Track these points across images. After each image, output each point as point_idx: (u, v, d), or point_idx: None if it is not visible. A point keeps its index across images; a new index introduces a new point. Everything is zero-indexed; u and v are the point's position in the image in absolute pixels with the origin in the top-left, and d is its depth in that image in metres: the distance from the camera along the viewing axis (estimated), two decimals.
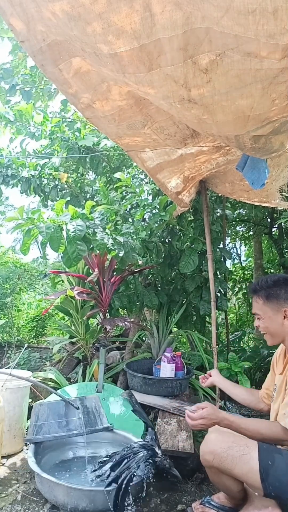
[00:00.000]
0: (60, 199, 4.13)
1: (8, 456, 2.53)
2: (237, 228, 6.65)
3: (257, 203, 3.40)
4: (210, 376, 2.10)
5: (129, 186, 3.45)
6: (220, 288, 3.55)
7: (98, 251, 2.69)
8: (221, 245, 3.82)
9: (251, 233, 6.55)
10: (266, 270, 6.82)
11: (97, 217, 2.82)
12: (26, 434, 2.77)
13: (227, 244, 6.68)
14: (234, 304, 7.71)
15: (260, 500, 1.62)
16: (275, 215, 5.03)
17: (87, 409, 2.26)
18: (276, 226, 5.56)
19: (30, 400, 2.89)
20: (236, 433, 1.61)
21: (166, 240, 3.74)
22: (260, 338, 5.33)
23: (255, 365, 4.19)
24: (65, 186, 4.55)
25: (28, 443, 2.72)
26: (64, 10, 1.05)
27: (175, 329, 3.78)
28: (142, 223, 3.42)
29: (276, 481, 1.45)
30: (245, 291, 7.22)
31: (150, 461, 1.86)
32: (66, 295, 3.26)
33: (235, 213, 5.24)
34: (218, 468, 1.56)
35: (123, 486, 1.72)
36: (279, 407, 1.65)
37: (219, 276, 3.64)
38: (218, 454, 1.52)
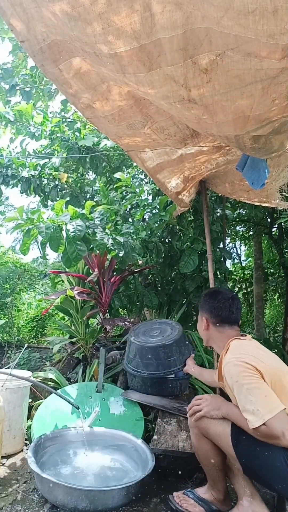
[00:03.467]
0: (60, 199, 4.13)
1: (8, 456, 2.53)
2: (237, 228, 6.65)
3: (257, 203, 3.40)
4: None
5: (129, 186, 3.45)
6: None
7: (98, 251, 2.69)
8: (221, 245, 3.82)
9: (251, 233, 6.55)
10: (266, 270, 6.81)
11: (97, 217, 2.82)
12: (26, 434, 2.78)
13: (227, 244, 6.68)
14: None
15: (251, 505, 1.64)
16: (275, 215, 5.03)
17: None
18: (276, 226, 5.56)
19: (30, 400, 2.89)
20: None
21: (166, 240, 3.74)
22: (260, 338, 5.34)
23: None
24: (65, 186, 4.55)
25: (27, 443, 2.72)
26: (64, 10, 1.05)
27: None
28: (142, 223, 3.42)
29: (246, 451, 1.54)
30: (245, 291, 7.22)
31: None
32: (66, 295, 3.25)
33: (235, 213, 5.23)
34: (198, 428, 1.71)
35: None
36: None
37: (219, 276, 3.63)
38: (196, 413, 1.71)
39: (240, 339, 1.77)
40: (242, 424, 1.52)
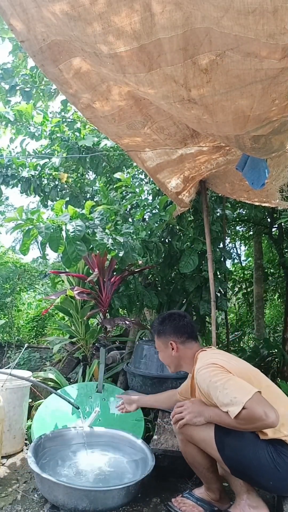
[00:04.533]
0: (60, 199, 4.13)
1: (8, 456, 2.53)
2: (237, 228, 6.65)
3: (257, 203, 3.40)
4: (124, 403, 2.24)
5: (129, 186, 3.45)
6: (220, 288, 3.54)
7: (98, 251, 2.69)
8: (221, 245, 3.82)
9: (251, 233, 6.55)
10: (266, 270, 6.81)
11: (96, 217, 2.82)
12: (26, 434, 2.78)
13: (227, 244, 6.67)
14: (234, 304, 7.70)
15: (248, 501, 1.64)
16: (275, 215, 5.02)
17: None
18: (276, 226, 5.55)
19: (30, 400, 2.89)
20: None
21: (166, 240, 3.74)
22: (260, 338, 5.33)
23: (255, 365, 4.18)
24: (65, 186, 4.55)
25: (27, 443, 2.72)
26: (64, 10, 1.05)
27: None
28: (142, 223, 3.42)
29: (232, 453, 1.55)
30: (245, 291, 7.21)
31: None
32: (66, 295, 3.26)
33: (235, 213, 5.23)
34: (182, 434, 1.71)
35: None
36: None
37: (219, 276, 3.63)
38: (179, 421, 1.69)
39: (205, 350, 1.84)
40: (227, 422, 1.52)
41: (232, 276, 6.92)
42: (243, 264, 8.00)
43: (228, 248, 6.53)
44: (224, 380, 1.52)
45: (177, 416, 1.70)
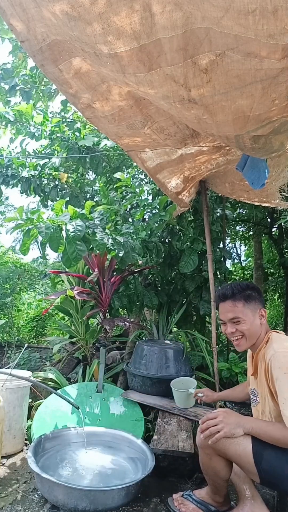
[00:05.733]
0: (60, 199, 4.13)
1: (8, 456, 2.53)
2: (237, 228, 6.65)
3: (257, 203, 3.41)
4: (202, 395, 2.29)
5: (129, 186, 3.45)
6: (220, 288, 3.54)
7: (98, 251, 2.69)
8: (221, 245, 3.82)
9: (251, 233, 6.55)
10: (266, 270, 6.82)
11: (96, 217, 2.82)
12: (26, 434, 2.78)
13: (227, 244, 6.68)
14: None
15: (252, 507, 1.63)
16: (275, 215, 5.03)
17: None
18: (276, 226, 5.56)
19: (30, 400, 2.89)
20: None
21: (166, 240, 3.74)
22: None
23: None
24: (65, 186, 4.55)
25: (27, 443, 2.72)
26: (64, 10, 1.05)
27: (175, 329, 3.78)
28: (142, 223, 3.42)
29: (269, 466, 1.48)
30: None
31: None
32: (66, 295, 3.25)
33: (235, 213, 5.24)
34: (213, 448, 1.57)
35: None
36: (270, 413, 1.63)
37: (219, 276, 3.63)
38: (214, 434, 1.54)
39: (278, 332, 1.72)
40: (273, 433, 1.43)
41: (232, 276, 6.93)
42: (243, 264, 8.00)
43: (228, 248, 6.54)
44: None
45: (213, 429, 1.54)
